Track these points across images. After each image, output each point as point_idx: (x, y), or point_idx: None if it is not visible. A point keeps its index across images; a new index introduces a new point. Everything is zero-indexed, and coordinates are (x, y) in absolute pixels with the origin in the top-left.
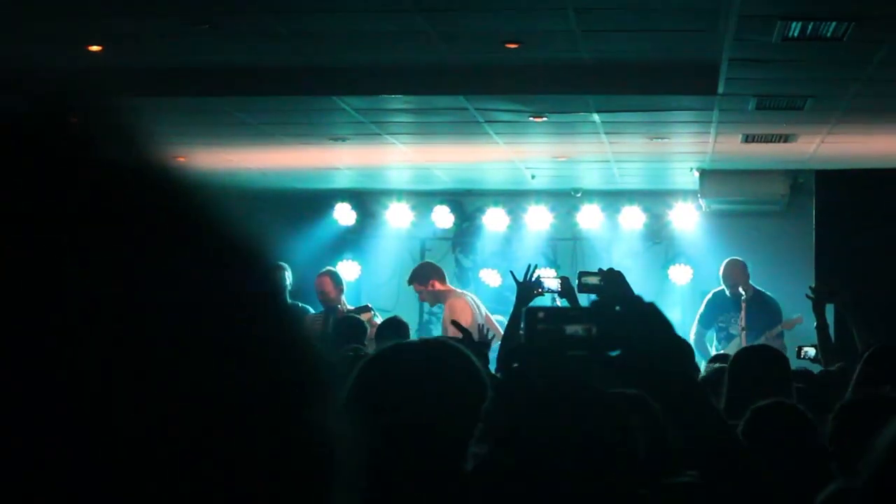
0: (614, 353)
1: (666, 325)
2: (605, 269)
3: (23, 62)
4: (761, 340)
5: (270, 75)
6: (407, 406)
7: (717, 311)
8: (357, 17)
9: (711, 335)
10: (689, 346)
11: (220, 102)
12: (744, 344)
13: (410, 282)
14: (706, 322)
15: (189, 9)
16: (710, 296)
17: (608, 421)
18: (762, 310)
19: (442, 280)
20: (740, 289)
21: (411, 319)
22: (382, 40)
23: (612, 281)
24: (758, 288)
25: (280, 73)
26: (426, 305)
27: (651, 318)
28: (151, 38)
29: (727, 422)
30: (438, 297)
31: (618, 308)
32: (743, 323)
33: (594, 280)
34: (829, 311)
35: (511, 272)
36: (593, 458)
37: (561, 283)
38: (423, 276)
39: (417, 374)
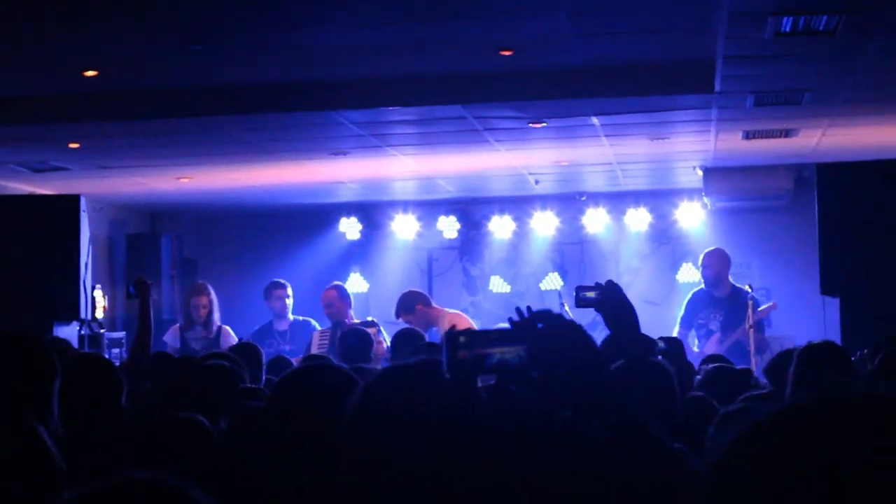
0: (535, 374)
1: (587, 344)
2: (602, 282)
3: (23, 88)
4: (738, 333)
5: (267, 93)
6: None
7: (696, 310)
8: (350, 31)
9: (693, 335)
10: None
11: (219, 122)
12: (716, 341)
13: (397, 315)
14: (686, 323)
15: (183, 29)
16: (689, 296)
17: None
18: (740, 305)
19: (426, 303)
20: (719, 284)
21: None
22: (377, 53)
23: (610, 294)
24: (735, 284)
25: (277, 90)
26: None
27: (573, 336)
28: (146, 61)
29: (664, 440)
30: (430, 320)
31: (540, 325)
32: (751, 321)
33: (592, 294)
34: (835, 305)
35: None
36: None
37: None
38: (407, 304)
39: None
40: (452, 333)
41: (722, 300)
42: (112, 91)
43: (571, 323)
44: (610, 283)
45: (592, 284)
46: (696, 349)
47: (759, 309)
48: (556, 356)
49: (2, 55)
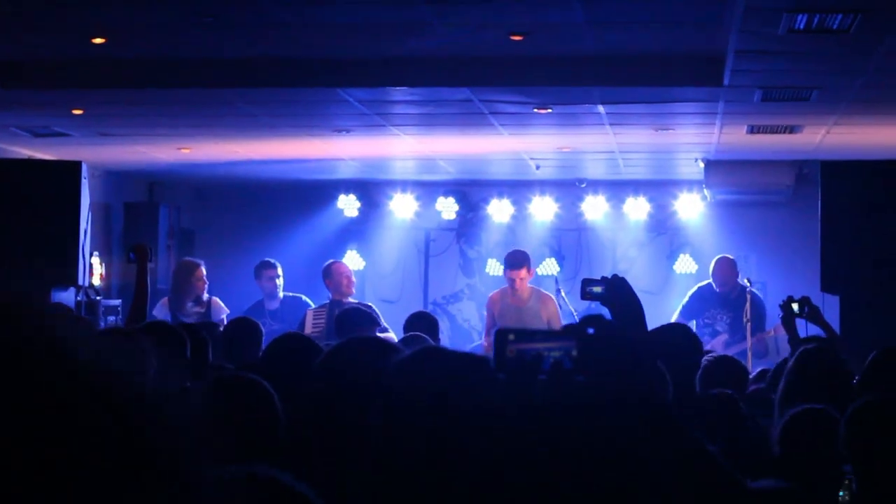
0: (581, 379)
1: (634, 351)
2: (608, 276)
3: (31, 53)
4: (753, 341)
5: (274, 67)
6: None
7: (702, 306)
8: (362, 8)
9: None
10: (662, 373)
11: (225, 94)
12: (722, 343)
13: (519, 266)
14: (687, 315)
15: (194, 1)
16: (695, 289)
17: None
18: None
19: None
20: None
21: (413, 310)
22: (387, 31)
23: (616, 288)
24: (744, 285)
25: (284, 65)
26: (432, 297)
27: (621, 344)
28: (155, 30)
29: (705, 445)
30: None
31: (590, 331)
32: (748, 315)
33: (598, 289)
34: (833, 302)
35: None
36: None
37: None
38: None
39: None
40: (503, 331)
41: (731, 301)
42: (119, 59)
43: (623, 330)
44: (616, 277)
45: (598, 278)
46: None
47: (766, 331)
48: (605, 364)
49: (11, 19)
